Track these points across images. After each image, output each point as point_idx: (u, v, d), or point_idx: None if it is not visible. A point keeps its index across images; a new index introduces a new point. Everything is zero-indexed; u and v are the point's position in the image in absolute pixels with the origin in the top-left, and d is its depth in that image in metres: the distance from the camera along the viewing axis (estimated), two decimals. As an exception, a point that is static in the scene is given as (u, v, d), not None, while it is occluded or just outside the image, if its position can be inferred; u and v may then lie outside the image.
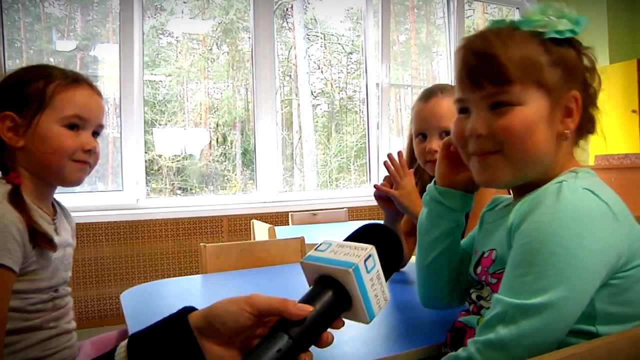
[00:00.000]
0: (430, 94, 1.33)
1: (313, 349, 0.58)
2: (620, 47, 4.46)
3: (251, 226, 2.46)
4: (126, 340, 0.58)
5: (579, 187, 0.68)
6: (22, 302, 0.93)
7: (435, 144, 1.28)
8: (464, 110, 0.80)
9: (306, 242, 1.66)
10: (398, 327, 1.01)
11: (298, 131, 4.29)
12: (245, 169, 4.05)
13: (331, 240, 0.61)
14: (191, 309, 0.60)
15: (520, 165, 0.75)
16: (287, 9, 4.25)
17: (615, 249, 0.66)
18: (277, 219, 3.39)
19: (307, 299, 0.57)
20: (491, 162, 0.76)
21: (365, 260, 0.56)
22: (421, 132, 1.33)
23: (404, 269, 1.44)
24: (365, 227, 0.66)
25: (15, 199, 0.91)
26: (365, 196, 3.88)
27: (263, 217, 3.21)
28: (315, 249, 0.61)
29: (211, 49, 4.08)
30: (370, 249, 0.58)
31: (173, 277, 1.53)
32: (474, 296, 0.85)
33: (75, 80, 1.00)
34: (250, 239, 2.56)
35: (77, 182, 1.01)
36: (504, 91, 0.73)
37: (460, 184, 0.88)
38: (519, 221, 0.70)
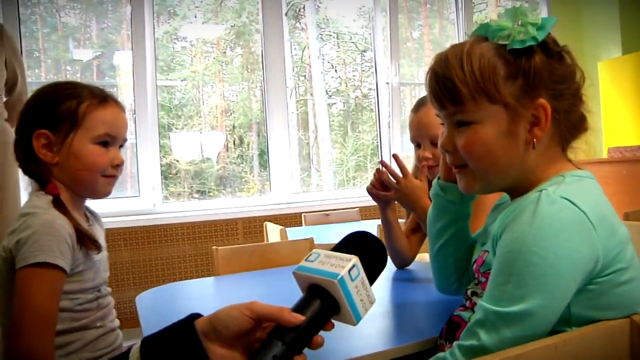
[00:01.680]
0: (420, 104, 1.38)
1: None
2: (633, 37, 4.35)
3: (264, 228, 2.49)
4: (139, 342, 0.64)
5: (558, 196, 0.70)
6: (70, 302, 1.00)
7: (427, 151, 1.35)
8: (444, 124, 0.84)
9: (317, 242, 1.67)
10: (396, 322, 1.03)
11: (314, 131, 4.29)
12: (262, 170, 4.08)
13: (320, 250, 0.67)
14: (197, 315, 0.66)
15: (485, 178, 0.80)
16: (299, 10, 4.26)
17: (590, 257, 0.68)
18: (290, 220, 3.40)
19: (299, 307, 0.63)
20: (463, 174, 0.83)
21: (350, 270, 0.62)
22: (415, 140, 1.40)
23: (409, 267, 1.45)
24: (350, 236, 0.71)
25: (59, 206, 0.98)
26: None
27: (277, 219, 3.23)
28: (306, 260, 0.66)
29: (225, 52, 4.12)
30: (354, 259, 0.63)
31: (189, 279, 1.56)
32: (469, 292, 0.88)
33: (104, 99, 1.06)
34: (264, 241, 2.60)
35: (106, 195, 1.09)
36: (461, 110, 0.78)
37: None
38: (501, 231, 0.73)
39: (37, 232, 0.91)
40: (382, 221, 1.42)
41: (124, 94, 3.41)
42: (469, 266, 0.95)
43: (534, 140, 0.77)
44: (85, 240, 0.99)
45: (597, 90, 4.20)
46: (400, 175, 1.31)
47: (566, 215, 0.68)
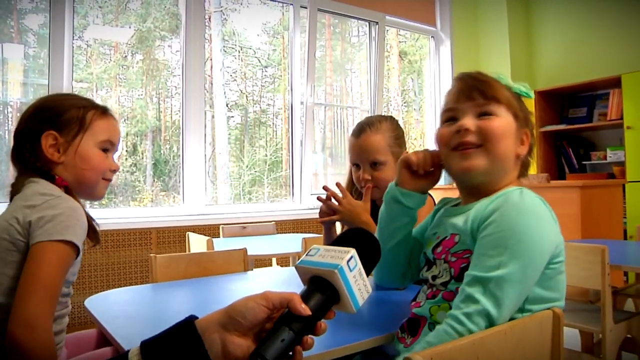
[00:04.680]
0: (361, 130, 1.53)
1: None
2: (521, 78, 4.91)
3: (186, 238, 2.47)
4: (138, 346, 0.67)
5: (533, 195, 0.91)
6: None
7: (366, 173, 1.50)
8: (450, 119, 1.02)
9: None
10: (353, 320, 1.10)
11: (211, 143, 4.27)
12: (156, 180, 3.98)
13: (319, 246, 0.72)
14: (195, 317, 0.69)
15: (493, 160, 0.97)
16: (204, 21, 4.25)
17: (554, 242, 0.90)
18: (205, 231, 3.38)
19: (303, 297, 0.68)
20: (472, 153, 0.97)
21: (348, 261, 0.68)
22: (355, 162, 1.54)
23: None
24: (346, 232, 0.77)
25: (72, 196, 1.05)
26: (290, 210, 4.01)
27: (192, 230, 3.21)
28: (307, 254, 0.71)
29: (126, 56, 3.97)
30: (352, 251, 0.69)
31: (103, 289, 1.53)
32: (429, 277, 1.00)
33: (105, 110, 1.18)
34: (184, 251, 2.57)
35: (101, 197, 1.19)
36: (490, 104, 0.98)
37: (419, 188, 1.10)
38: (488, 214, 0.90)
39: (64, 214, 0.98)
40: (326, 239, 1.53)
41: (15, 91, 3.15)
42: (412, 261, 1.12)
43: (520, 153, 1.00)
44: (91, 233, 1.07)
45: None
46: (341, 196, 1.43)
47: (542, 208, 0.90)
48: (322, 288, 0.68)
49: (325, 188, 1.47)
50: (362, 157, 1.50)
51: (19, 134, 1.12)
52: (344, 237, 0.76)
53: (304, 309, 0.65)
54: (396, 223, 1.11)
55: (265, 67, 4.63)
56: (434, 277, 0.99)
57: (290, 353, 0.66)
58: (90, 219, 1.08)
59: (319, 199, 1.46)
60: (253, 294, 0.68)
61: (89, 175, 1.12)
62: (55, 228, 0.96)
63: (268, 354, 0.62)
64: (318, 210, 1.50)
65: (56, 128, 1.09)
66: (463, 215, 0.98)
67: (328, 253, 0.69)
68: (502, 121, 0.98)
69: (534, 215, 0.88)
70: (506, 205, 0.89)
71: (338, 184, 1.48)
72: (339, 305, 0.69)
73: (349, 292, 0.67)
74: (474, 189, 1.01)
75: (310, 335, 0.67)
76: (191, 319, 0.68)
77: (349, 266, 0.67)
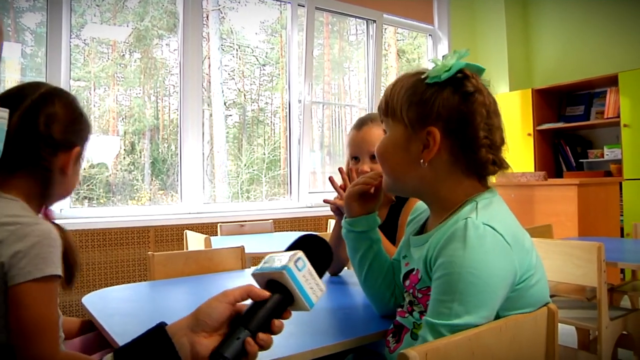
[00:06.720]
0: (363, 123, 1.53)
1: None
2: (518, 77, 5.05)
3: (184, 236, 2.48)
4: (111, 354, 0.70)
5: (480, 223, 0.82)
6: None
7: (366, 166, 1.49)
8: None
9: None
10: (345, 319, 1.14)
11: (209, 142, 4.27)
12: (154, 179, 3.97)
13: (272, 254, 0.79)
14: (165, 323, 0.74)
15: (388, 178, 0.99)
16: (202, 19, 4.24)
17: (512, 271, 0.82)
18: (203, 229, 3.39)
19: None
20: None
21: (296, 262, 0.73)
22: (355, 155, 1.53)
23: (340, 273, 1.59)
24: (299, 238, 0.83)
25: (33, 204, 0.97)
26: (288, 208, 4.02)
27: (190, 228, 3.22)
28: (262, 263, 0.78)
29: (123, 55, 3.97)
30: (299, 253, 0.75)
31: (101, 288, 1.52)
32: (407, 300, 1.00)
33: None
34: (182, 249, 2.58)
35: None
36: (386, 121, 0.98)
37: (365, 211, 1.11)
38: (437, 254, 0.85)
39: (39, 244, 0.88)
40: (336, 232, 1.50)
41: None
42: (397, 281, 1.08)
43: (421, 160, 0.91)
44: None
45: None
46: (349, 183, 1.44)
47: (489, 240, 0.81)
48: (277, 289, 0.73)
49: (340, 170, 1.48)
50: (362, 149, 1.50)
51: (46, 138, 0.96)
52: (295, 243, 0.82)
53: (262, 292, 0.72)
54: (360, 251, 1.11)
55: (263, 65, 4.62)
56: (411, 303, 0.98)
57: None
58: (66, 237, 1.00)
59: (330, 179, 1.47)
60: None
61: (70, 191, 1.07)
62: (33, 264, 0.86)
63: (226, 352, 0.68)
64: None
65: (82, 144, 1.04)
66: (422, 248, 0.93)
67: (278, 258, 0.75)
68: (387, 139, 0.97)
69: (481, 250, 0.80)
70: (452, 242, 0.82)
71: (341, 169, 1.49)
72: (294, 305, 0.74)
73: (300, 290, 0.73)
74: (429, 204, 0.99)
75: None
76: (161, 325, 0.72)
77: (297, 267, 0.73)
